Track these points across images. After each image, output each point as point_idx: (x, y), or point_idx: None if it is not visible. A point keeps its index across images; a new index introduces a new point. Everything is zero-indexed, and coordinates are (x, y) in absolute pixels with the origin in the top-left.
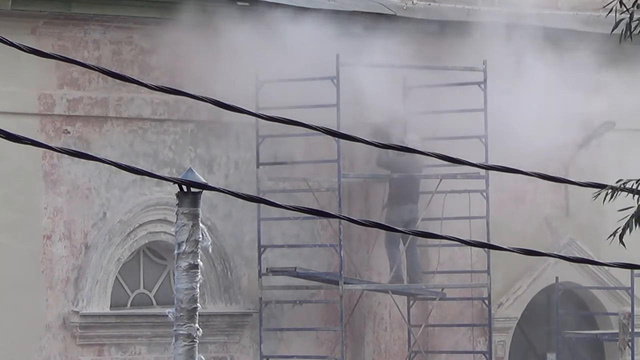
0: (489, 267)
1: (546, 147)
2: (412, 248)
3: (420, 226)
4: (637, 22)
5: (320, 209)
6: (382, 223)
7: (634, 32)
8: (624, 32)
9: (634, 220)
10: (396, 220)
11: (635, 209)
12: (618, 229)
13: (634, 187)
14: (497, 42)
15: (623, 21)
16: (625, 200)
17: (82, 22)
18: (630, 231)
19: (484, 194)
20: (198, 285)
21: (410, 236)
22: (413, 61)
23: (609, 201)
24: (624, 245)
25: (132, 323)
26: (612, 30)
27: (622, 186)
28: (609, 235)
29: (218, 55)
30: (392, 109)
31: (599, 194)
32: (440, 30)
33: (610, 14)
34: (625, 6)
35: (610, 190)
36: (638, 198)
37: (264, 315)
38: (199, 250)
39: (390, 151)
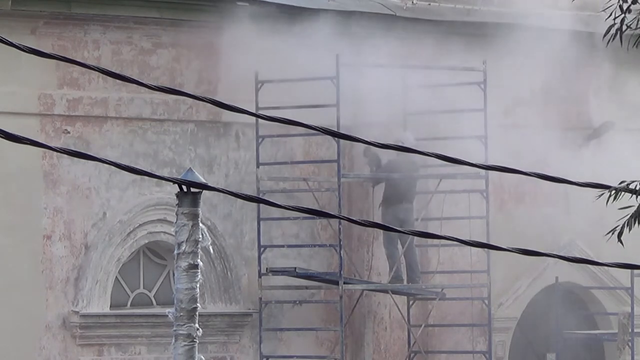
0: (488, 267)
1: (546, 147)
2: (411, 248)
3: (420, 226)
4: (628, 26)
5: (320, 209)
6: (383, 223)
7: (625, 34)
8: (613, 36)
9: (633, 219)
10: (391, 220)
11: (635, 208)
12: (617, 227)
13: (637, 187)
14: (497, 42)
15: (614, 27)
16: (628, 200)
17: (82, 22)
18: (629, 229)
19: (484, 194)
20: (198, 285)
21: (409, 236)
22: (413, 61)
23: (612, 202)
24: (622, 243)
25: (132, 323)
26: (604, 36)
27: (626, 187)
28: (607, 232)
29: (218, 55)
30: (392, 109)
31: (602, 195)
32: (440, 30)
33: (608, 18)
34: (622, 9)
35: (613, 192)
36: (638, 198)
37: (263, 315)
38: (199, 250)
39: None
